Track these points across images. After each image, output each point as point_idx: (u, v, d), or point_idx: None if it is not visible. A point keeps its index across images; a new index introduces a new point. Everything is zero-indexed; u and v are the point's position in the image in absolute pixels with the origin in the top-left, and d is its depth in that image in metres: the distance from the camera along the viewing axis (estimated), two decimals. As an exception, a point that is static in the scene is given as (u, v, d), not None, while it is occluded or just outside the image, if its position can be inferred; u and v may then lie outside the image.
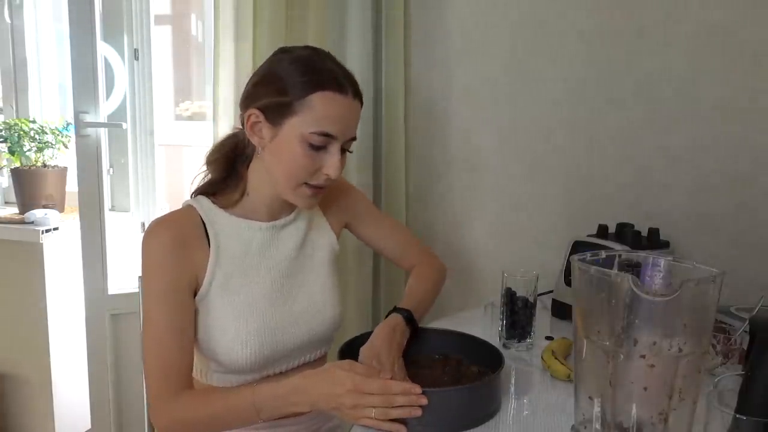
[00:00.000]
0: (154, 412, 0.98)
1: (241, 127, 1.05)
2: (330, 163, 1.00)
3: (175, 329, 0.98)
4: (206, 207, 1.06)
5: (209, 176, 1.10)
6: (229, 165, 1.09)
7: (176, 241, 1.00)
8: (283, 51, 1.04)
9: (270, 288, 1.07)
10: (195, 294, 1.02)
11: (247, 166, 1.08)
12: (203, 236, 1.03)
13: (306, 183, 1.01)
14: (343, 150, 1.03)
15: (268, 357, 1.04)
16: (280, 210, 1.10)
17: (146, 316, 1.00)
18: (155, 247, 1.00)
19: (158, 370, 0.98)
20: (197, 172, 1.11)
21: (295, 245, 1.12)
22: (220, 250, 1.03)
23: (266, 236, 1.08)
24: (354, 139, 1.05)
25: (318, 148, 0.99)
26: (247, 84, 1.04)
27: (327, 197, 1.19)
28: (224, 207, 1.07)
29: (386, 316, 1.10)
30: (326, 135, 0.98)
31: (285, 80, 0.98)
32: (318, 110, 0.97)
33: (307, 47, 1.06)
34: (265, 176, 1.05)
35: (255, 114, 1.00)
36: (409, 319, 1.09)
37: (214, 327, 1.03)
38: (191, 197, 1.09)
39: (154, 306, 0.99)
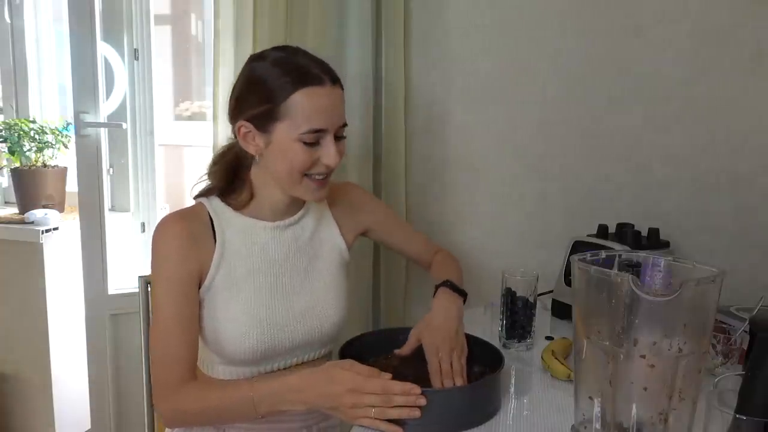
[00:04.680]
0: (157, 401, 1.01)
1: (234, 137, 1.08)
2: (327, 154, 1.03)
3: (180, 319, 1.01)
4: (216, 206, 1.10)
5: (210, 183, 1.13)
6: (231, 173, 1.12)
7: (185, 235, 1.03)
8: (254, 58, 1.07)
9: (272, 286, 1.09)
10: (200, 286, 1.05)
11: (248, 171, 1.10)
12: (210, 232, 1.07)
13: (307, 175, 1.04)
14: (338, 137, 1.05)
15: (265, 352, 1.06)
16: (285, 211, 1.13)
17: (155, 306, 1.03)
18: (165, 239, 1.03)
19: (163, 359, 1.01)
20: (197, 180, 1.14)
21: (301, 245, 1.14)
22: (226, 247, 1.07)
23: (271, 235, 1.11)
24: (345, 125, 1.07)
25: (313, 144, 1.01)
26: (230, 98, 1.07)
27: (342, 205, 1.22)
28: (234, 207, 1.10)
29: (436, 287, 1.14)
30: (317, 131, 1.01)
31: (264, 87, 1.01)
32: (302, 109, 0.99)
33: (277, 48, 1.08)
34: (266, 179, 1.08)
35: (244, 125, 1.03)
36: (451, 286, 1.13)
37: (216, 319, 1.05)
38: (193, 199, 1.12)
39: (162, 297, 1.02)
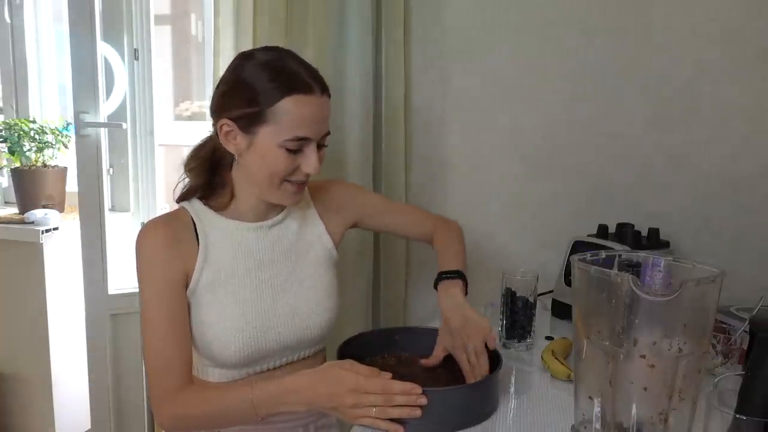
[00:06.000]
0: (155, 407, 1.00)
1: (215, 133, 1.06)
2: (307, 162, 1.02)
3: (171, 322, 1.01)
4: (198, 208, 1.09)
5: (190, 183, 1.12)
6: (209, 170, 1.10)
7: (168, 239, 1.03)
8: (244, 56, 1.05)
9: (258, 287, 1.08)
10: (186, 290, 1.04)
11: (230, 170, 1.10)
12: (193, 235, 1.06)
13: (287, 180, 1.04)
14: (320, 146, 1.05)
15: (253, 354, 1.06)
16: (268, 211, 1.12)
17: (144, 313, 1.02)
18: (148, 244, 1.03)
19: (157, 365, 1.00)
20: (178, 180, 1.13)
21: (286, 245, 1.13)
22: (209, 249, 1.06)
23: (255, 236, 1.10)
24: (328, 134, 1.06)
25: (295, 151, 1.01)
26: (214, 94, 1.06)
27: (325, 202, 1.21)
28: (215, 209, 1.09)
29: (434, 285, 1.12)
30: (301, 139, 1.00)
31: (252, 88, 0.99)
32: (289, 116, 0.98)
33: (268, 49, 1.07)
34: (247, 180, 1.08)
35: (227, 124, 1.02)
36: (454, 275, 1.11)
37: (203, 323, 1.05)
38: (177, 203, 1.11)
39: (151, 302, 1.01)
